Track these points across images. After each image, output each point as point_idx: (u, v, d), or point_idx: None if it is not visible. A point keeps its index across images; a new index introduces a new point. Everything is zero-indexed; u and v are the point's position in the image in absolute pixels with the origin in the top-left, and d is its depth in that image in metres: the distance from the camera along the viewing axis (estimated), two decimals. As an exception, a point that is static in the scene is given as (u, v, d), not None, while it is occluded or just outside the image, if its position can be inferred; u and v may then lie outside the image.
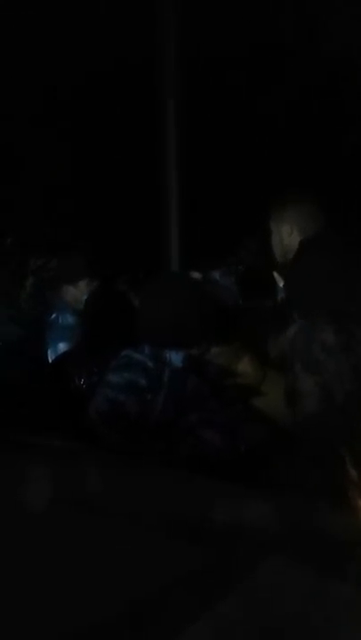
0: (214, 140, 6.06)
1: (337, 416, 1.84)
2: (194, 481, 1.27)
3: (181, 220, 4.32)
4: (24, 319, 3.42)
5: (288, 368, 1.92)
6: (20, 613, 0.73)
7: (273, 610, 0.75)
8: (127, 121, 6.07)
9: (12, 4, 5.49)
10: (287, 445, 1.85)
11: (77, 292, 3.44)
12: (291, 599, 0.77)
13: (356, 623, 0.73)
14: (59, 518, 1.01)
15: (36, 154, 6.14)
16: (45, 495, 1.11)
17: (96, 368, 2.25)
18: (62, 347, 3.21)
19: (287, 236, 2.54)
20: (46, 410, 2.17)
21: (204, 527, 0.96)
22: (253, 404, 2.08)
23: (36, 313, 3.52)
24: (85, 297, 3.26)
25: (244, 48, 6.12)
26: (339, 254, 2.27)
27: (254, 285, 3.54)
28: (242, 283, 3.61)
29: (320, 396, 1.86)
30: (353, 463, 1.80)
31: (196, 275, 4.12)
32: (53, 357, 3.09)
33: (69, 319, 3.38)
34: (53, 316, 3.46)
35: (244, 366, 2.13)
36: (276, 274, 3.72)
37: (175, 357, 1.95)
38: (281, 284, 3.52)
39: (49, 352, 3.24)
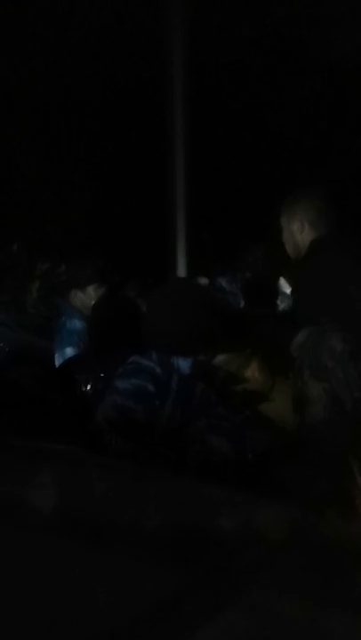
0: (221, 149, 6.07)
1: (345, 423, 1.83)
2: (200, 488, 1.27)
3: (188, 227, 4.34)
4: (31, 324, 3.43)
5: (296, 375, 1.92)
6: (21, 621, 0.73)
7: (281, 619, 0.74)
8: (136, 131, 6.08)
9: (18, 16, 5.52)
10: (295, 452, 1.85)
11: (86, 298, 3.45)
12: (298, 607, 0.76)
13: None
14: (63, 524, 1.01)
15: (46, 162, 6.16)
16: (51, 501, 1.11)
17: (103, 374, 2.24)
18: (70, 352, 3.22)
19: (298, 232, 2.51)
20: (53, 415, 2.17)
21: (210, 535, 0.96)
22: (261, 411, 2.08)
23: (44, 318, 3.52)
24: (93, 302, 3.26)
25: (249, 54, 6.13)
26: (349, 258, 2.26)
27: (260, 291, 3.54)
28: (247, 289, 3.61)
29: (328, 404, 1.86)
30: (360, 471, 1.79)
31: (203, 281, 4.12)
32: (61, 362, 3.09)
33: (77, 324, 3.38)
34: (61, 320, 3.47)
35: (252, 373, 2.13)
36: (282, 280, 3.71)
37: (183, 364, 1.95)
38: (288, 289, 3.52)
39: (56, 357, 3.24)
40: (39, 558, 0.87)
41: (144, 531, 0.99)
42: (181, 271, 4.44)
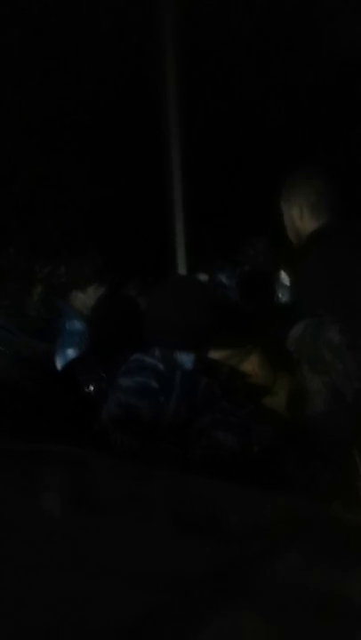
0: (218, 142, 6.06)
1: (346, 415, 1.83)
2: (206, 482, 1.27)
3: (188, 223, 4.33)
4: (33, 327, 3.43)
5: (295, 368, 1.92)
6: (24, 614, 0.74)
7: (288, 611, 0.75)
8: (132, 128, 6.08)
9: (12, 18, 5.52)
10: (298, 445, 1.85)
11: (86, 298, 3.45)
12: (306, 599, 0.77)
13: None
14: (68, 523, 1.02)
15: (43, 162, 6.16)
16: (57, 500, 1.12)
17: (105, 374, 2.25)
18: (71, 353, 3.22)
19: (298, 218, 2.41)
20: (56, 417, 2.17)
21: (216, 528, 0.96)
22: (265, 405, 2.08)
23: (45, 320, 3.53)
24: (94, 303, 3.27)
25: (243, 48, 6.11)
26: (351, 248, 2.23)
27: (260, 285, 3.54)
28: (247, 283, 3.61)
29: (328, 396, 1.86)
30: (364, 463, 1.80)
31: (202, 276, 4.12)
32: (62, 364, 3.09)
33: (77, 325, 3.39)
34: (62, 322, 3.47)
35: (253, 367, 2.14)
36: (283, 273, 3.71)
37: (186, 359, 1.94)
38: (288, 282, 3.52)
39: (58, 359, 3.25)
40: (42, 555, 0.87)
41: (147, 526, 0.99)
42: (182, 268, 4.44)
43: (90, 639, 0.69)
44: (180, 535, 0.94)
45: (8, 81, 5.83)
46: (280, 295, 3.64)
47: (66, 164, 6.23)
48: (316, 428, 1.85)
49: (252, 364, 2.11)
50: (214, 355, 2.03)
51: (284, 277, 3.66)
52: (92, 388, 2.31)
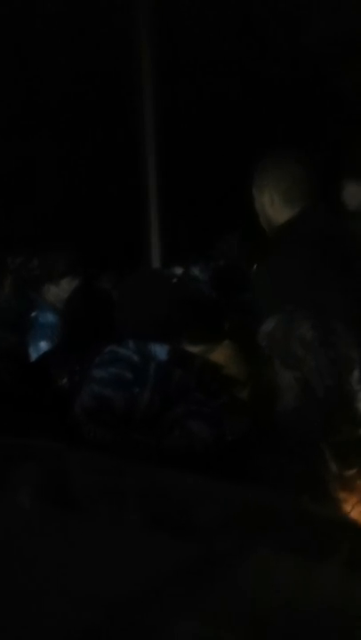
0: (193, 136, 6.06)
1: (317, 411, 1.85)
2: (178, 476, 1.28)
3: (162, 217, 4.33)
4: (4, 319, 3.41)
5: (267, 363, 1.93)
6: (1, 615, 0.74)
7: (262, 601, 0.76)
8: (108, 121, 6.05)
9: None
10: (268, 439, 1.87)
11: (59, 291, 3.43)
12: (278, 590, 0.78)
13: (345, 608, 0.75)
14: (42, 518, 1.02)
15: (16, 154, 6.10)
16: (30, 495, 1.12)
17: (79, 366, 2.25)
18: (44, 346, 3.21)
19: (269, 206, 2.24)
20: (30, 409, 2.17)
21: (187, 524, 0.97)
22: (238, 396, 2.09)
23: (17, 313, 3.50)
24: (67, 295, 3.25)
25: (217, 43, 6.11)
26: (317, 245, 2.16)
27: (233, 279, 3.55)
28: (220, 277, 3.61)
29: (299, 392, 1.87)
30: (333, 457, 1.82)
31: (177, 270, 4.13)
32: (35, 357, 3.08)
33: (50, 318, 3.37)
34: (34, 314, 3.45)
35: (227, 360, 2.15)
36: (256, 267, 3.72)
37: (160, 351, 1.95)
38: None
39: (30, 352, 3.23)
40: (16, 552, 0.88)
41: (120, 521, 1.00)
42: (156, 261, 4.44)
43: (53, 634, 0.69)
44: (151, 531, 0.94)
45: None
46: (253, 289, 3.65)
47: (39, 155, 6.18)
48: (287, 422, 1.87)
49: (224, 357, 2.12)
50: (189, 348, 2.04)
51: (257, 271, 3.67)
52: (65, 380, 2.30)
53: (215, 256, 4.28)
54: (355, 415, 1.88)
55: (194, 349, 2.16)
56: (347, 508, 1.80)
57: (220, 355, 2.18)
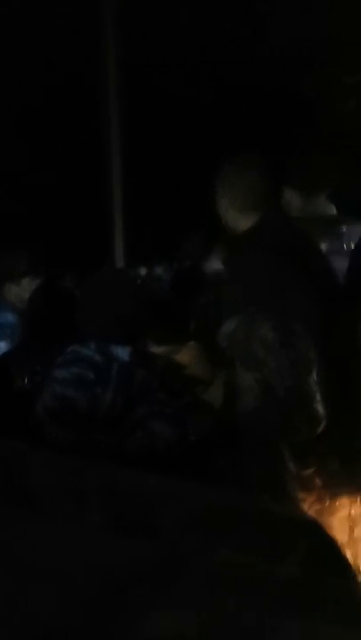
0: (157, 138, 6.06)
1: (276, 412, 1.87)
2: (140, 477, 1.28)
3: (127, 218, 4.33)
4: None
5: (227, 364, 1.94)
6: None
7: (225, 604, 0.77)
8: (72, 121, 6.02)
9: None
10: (230, 440, 1.88)
11: (20, 291, 3.40)
12: (241, 586, 0.79)
13: (303, 606, 0.76)
14: (1, 518, 1.01)
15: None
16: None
17: (40, 367, 2.23)
18: (3, 346, 3.18)
19: (228, 210, 2.28)
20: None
21: (150, 525, 0.98)
22: (200, 397, 2.11)
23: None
24: (29, 295, 3.23)
25: (183, 46, 6.13)
26: (277, 248, 2.19)
27: (195, 280, 3.57)
28: (182, 277, 3.63)
29: (259, 393, 1.88)
30: (292, 458, 1.84)
31: (141, 270, 4.14)
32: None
33: (10, 318, 3.34)
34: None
35: (191, 360, 2.16)
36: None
37: (122, 352, 1.95)
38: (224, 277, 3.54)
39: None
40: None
41: (83, 523, 1.00)
42: (120, 261, 4.44)
43: (41, 636, 0.69)
44: (113, 532, 0.94)
45: None
46: (215, 290, 3.68)
47: (0, 155, 6.12)
48: (247, 423, 1.88)
49: (190, 358, 2.13)
50: (154, 349, 2.04)
51: (220, 272, 3.70)
52: (26, 380, 2.29)
53: (179, 257, 4.30)
54: (313, 416, 1.91)
55: (159, 350, 2.17)
56: (305, 507, 1.82)
57: (186, 355, 2.19)
